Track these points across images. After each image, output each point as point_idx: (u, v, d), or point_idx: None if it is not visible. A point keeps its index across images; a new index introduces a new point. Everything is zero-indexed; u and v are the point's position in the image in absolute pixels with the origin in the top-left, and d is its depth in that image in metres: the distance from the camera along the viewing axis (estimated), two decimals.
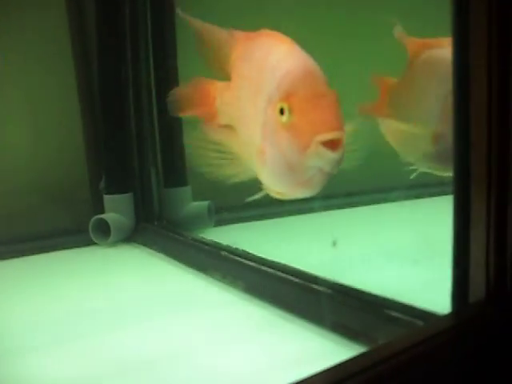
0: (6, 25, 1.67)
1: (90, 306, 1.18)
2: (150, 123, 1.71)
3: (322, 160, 0.77)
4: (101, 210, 1.71)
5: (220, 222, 1.75)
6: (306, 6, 1.84)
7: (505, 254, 0.63)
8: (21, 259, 1.58)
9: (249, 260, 1.21)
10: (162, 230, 1.66)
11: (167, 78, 1.69)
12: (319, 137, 0.76)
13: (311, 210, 1.60)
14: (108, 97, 1.71)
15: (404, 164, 1.11)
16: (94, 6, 1.70)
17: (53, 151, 1.77)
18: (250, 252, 1.25)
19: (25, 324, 1.11)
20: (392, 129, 1.12)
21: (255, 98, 0.87)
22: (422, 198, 1.70)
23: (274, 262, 1.16)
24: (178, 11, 1.33)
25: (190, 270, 1.36)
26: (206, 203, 1.72)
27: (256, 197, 0.94)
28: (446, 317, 0.69)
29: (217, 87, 1.01)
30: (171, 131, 1.71)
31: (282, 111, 0.79)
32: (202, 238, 1.49)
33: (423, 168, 1.09)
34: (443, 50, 1.01)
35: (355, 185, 1.69)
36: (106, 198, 1.71)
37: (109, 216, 1.67)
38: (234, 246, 1.31)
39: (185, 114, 1.07)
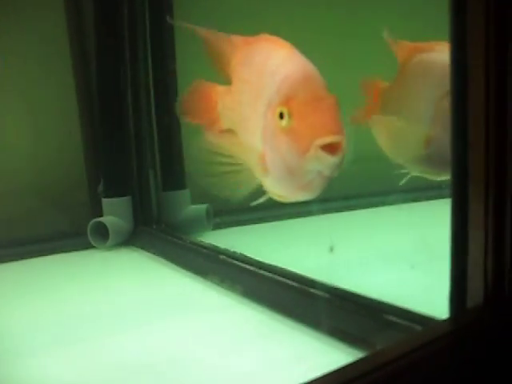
0: (5, 25, 1.67)
1: (88, 310, 1.18)
2: (148, 126, 1.71)
3: (321, 164, 0.77)
4: (99, 213, 1.71)
5: (218, 226, 1.75)
6: (305, 8, 1.84)
7: (503, 259, 0.63)
8: (19, 262, 1.58)
9: (247, 264, 1.21)
10: (161, 233, 1.66)
11: (166, 78, 1.69)
12: (318, 141, 0.76)
13: (310, 213, 1.60)
14: (106, 98, 1.71)
15: (397, 168, 1.11)
16: (93, 6, 1.69)
17: (51, 154, 1.77)
18: (248, 256, 1.25)
19: (23, 327, 1.11)
20: (384, 131, 1.12)
21: (255, 102, 0.87)
22: (420, 201, 1.70)
23: (272, 265, 1.16)
24: (168, 19, 1.34)
25: (188, 273, 1.36)
26: (204, 206, 1.71)
27: (260, 201, 0.94)
28: (443, 322, 0.69)
29: (218, 91, 1.01)
30: (170, 134, 1.71)
31: (281, 115, 0.80)
32: (201, 241, 1.49)
33: (415, 172, 1.10)
34: (435, 53, 1.02)
35: (353, 188, 1.69)
36: (105, 201, 1.71)
37: (107, 219, 1.66)
38: (232, 250, 1.31)
39: (187, 119, 1.07)
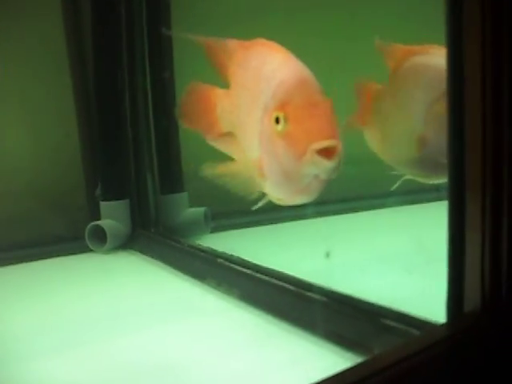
0: (2, 25, 1.66)
1: (85, 314, 1.18)
2: (146, 128, 1.71)
3: (317, 168, 0.78)
4: (97, 216, 1.70)
5: (217, 229, 1.75)
6: (303, 11, 1.84)
7: (500, 263, 0.63)
8: (17, 266, 1.57)
9: (244, 267, 1.21)
10: (159, 236, 1.66)
11: (163, 81, 1.68)
12: (314, 145, 0.76)
13: (308, 216, 1.60)
14: (104, 101, 1.71)
15: (389, 170, 1.11)
16: (90, 7, 1.69)
17: (49, 157, 1.76)
18: (246, 259, 1.25)
19: (22, 331, 1.11)
20: (376, 135, 1.12)
21: (252, 107, 0.88)
22: (418, 203, 1.70)
23: (269, 269, 1.16)
24: (164, 30, 1.35)
25: (186, 277, 1.36)
26: (202, 209, 1.71)
27: (260, 204, 0.94)
28: (441, 327, 0.69)
29: (217, 94, 1.01)
30: (167, 137, 1.71)
31: (277, 120, 0.80)
32: (199, 244, 1.49)
33: (407, 175, 1.10)
34: (428, 56, 1.02)
35: (350, 191, 1.69)
36: (103, 204, 1.71)
37: (105, 223, 1.66)
38: (230, 253, 1.31)
39: (186, 124, 1.08)
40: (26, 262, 1.60)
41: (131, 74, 1.69)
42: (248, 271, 1.18)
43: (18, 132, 1.74)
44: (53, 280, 1.45)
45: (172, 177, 1.73)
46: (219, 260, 1.29)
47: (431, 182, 1.06)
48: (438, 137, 0.96)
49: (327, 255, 1.02)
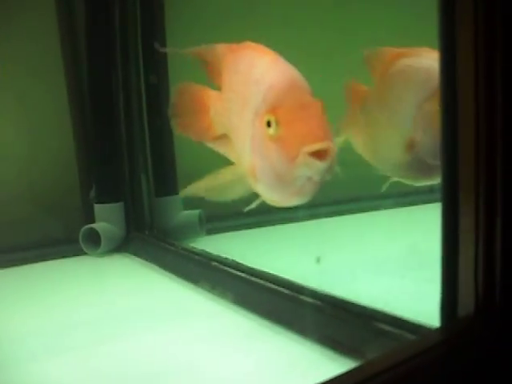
0: None
1: (79, 317, 1.17)
2: (140, 131, 1.70)
3: (310, 170, 0.78)
4: (92, 219, 1.70)
5: (211, 231, 1.74)
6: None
7: (493, 267, 0.63)
8: (11, 269, 1.57)
9: (238, 270, 1.20)
10: (153, 239, 1.65)
11: (157, 82, 1.68)
12: (306, 148, 0.76)
13: (302, 219, 1.60)
14: (98, 103, 1.71)
15: (377, 171, 1.11)
16: (84, 7, 1.69)
17: (43, 159, 1.76)
18: (240, 262, 1.25)
19: (16, 333, 1.10)
20: (363, 140, 1.12)
21: (242, 110, 0.88)
22: (412, 205, 1.70)
23: (263, 272, 1.15)
24: (155, 45, 1.35)
25: (180, 280, 1.35)
26: (196, 212, 1.71)
27: (253, 205, 0.94)
28: (434, 331, 0.69)
29: (210, 96, 1.01)
30: (162, 139, 1.70)
31: (269, 124, 0.80)
32: (193, 247, 1.49)
33: (395, 177, 1.09)
34: (416, 58, 1.02)
35: (344, 193, 1.69)
36: (97, 207, 1.70)
37: (99, 225, 1.66)
38: (224, 256, 1.30)
39: (179, 126, 1.07)
40: (20, 264, 1.60)
41: (125, 75, 1.68)
42: (242, 274, 1.18)
43: (11, 133, 1.74)
44: (47, 283, 1.45)
45: (166, 179, 1.73)
46: (213, 263, 1.29)
47: (419, 184, 1.06)
48: (427, 138, 0.96)
49: (318, 260, 1.01)
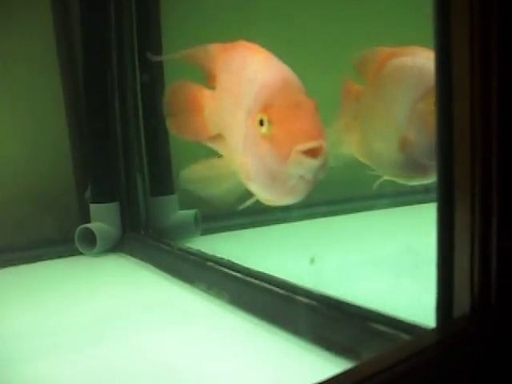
0: None
1: (74, 317, 1.17)
2: (135, 130, 1.70)
3: (303, 168, 0.78)
4: (87, 219, 1.69)
5: (207, 231, 1.74)
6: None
7: (489, 267, 0.62)
8: (6, 269, 1.56)
9: (234, 270, 1.20)
10: (149, 239, 1.65)
11: (153, 81, 1.68)
12: (299, 146, 0.76)
13: (298, 219, 1.60)
14: (93, 103, 1.70)
15: (369, 170, 1.11)
16: (79, 6, 1.68)
17: (39, 159, 1.75)
18: (236, 262, 1.24)
19: (10, 334, 1.10)
20: (356, 139, 1.12)
21: (236, 109, 0.88)
22: (407, 205, 1.70)
23: (259, 272, 1.15)
24: (148, 55, 1.35)
25: (176, 280, 1.35)
26: (192, 212, 1.70)
27: (248, 203, 0.94)
28: (430, 332, 0.69)
29: (204, 95, 1.01)
30: (157, 139, 1.70)
31: (261, 122, 0.81)
32: (188, 247, 1.48)
33: (387, 175, 1.09)
34: (410, 57, 1.02)
35: (339, 193, 1.69)
36: (92, 207, 1.70)
37: (95, 225, 1.65)
38: (220, 256, 1.30)
39: (174, 126, 1.07)
40: (15, 265, 1.59)
41: (121, 74, 1.68)
42: (238, 274, 1.18)
43: (6, 133, 1.73)
44: (42, 283, 1.44)
45: (162, 179, 1.72)
46: (209, 263, 1.28)
47: (413, 183, 1.06)
48: (421, 138, 0.96)
49: (312, 261, 1.01)
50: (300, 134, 0.77)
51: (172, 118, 1.07)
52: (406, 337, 0.78)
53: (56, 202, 1.74)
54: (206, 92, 1.01)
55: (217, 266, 1.25)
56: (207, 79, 1.00)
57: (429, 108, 0.91)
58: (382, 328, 0.82)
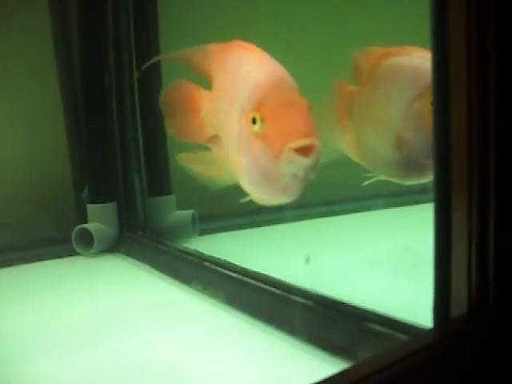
0: None
1: (72, 317, 1.17)
2: (133, 130, 1.70)
3: (295, 166, 0.78)
4: (84, 219, 1.69)
5: (204, 231, 1.74)
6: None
7: (487, 267, 0.62)
8: (3, 270, 1.56)
9: (230, 271, 1.20)
10: (146, 239, 1.65)
11: (151, 81, 1.67)
12: (290, 144, 0.76)
13: (295, 219, 1.60)
14: (90, 103, 1.70)
15: (364, 171, 1.11)
16: (76, 6, 1.68)
17: (36, 159, 1.75)
18: (232, 262, 1.24)
19: (8, 333, 1.10)
20: (351, 139, 1.12)
21: (230, 108, 0.88)
22: (404, 205, 1.70)
23: (256, 272, 1.15)
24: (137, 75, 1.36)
25: (173, 280, 1.35)
26: (190, 212, 1.70)
27: (247, 199, 0.94)
28: (427, 332, 0.68)
29: (201, 96, 1.01)
30: (155, 138, 1.70)
31: (254, 121, 0.81)
32: (186, 247, 1.48)
33: (383, 176, 1.09)
34: (405, 57, 1.02)
35: (336, 193, 1.69)
36: (89, 207, 1.70)
37: (92, 225, 1.65)
38: (217, 256, 1.30)
39: (172, 127, 1.07)
40: (12, 265, 1.59)
41: (118, 74, 1.68)
42: (235, 275, 1.17)
43: (3, 133, 1.73)
44: (38, 283, 1.44)
45: (159, 179, 1.72)
46: (206, 263, 1.28)
47: (410, 182, 1.06)
48: (417, 136, 0.96)
49: (307, 260, 1.01)
50: (292, 132, 0.77)
51: (169, 118, 1.07)
52: (402, 337, 0.78)
53: (53, 202, 1.74)
54: (204, 93, 1.01)
55: (213, 266, 1.25)
56: (203, 77, 1.00)
57: (425, 107, 0.91)
58: (378, 328, 0.82)
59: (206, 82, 1.00)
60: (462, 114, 0.63)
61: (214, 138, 0.98)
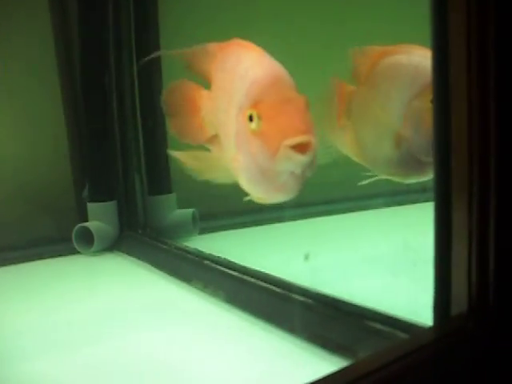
0: None
1: (72, 316, 1.17)
2: (133, 129, 1.70)
3: (292, 163, 0.78)
4: (85, 218, 1.69)
5: (204, 230, 1.74)
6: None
7: (487, 266, 0.62)
8: (3, 268, 1.56)
9: (230, 269, 1.20)
10: (146, 238, 1.65)
11: (151, 81, 1.68)
12: (287, 141, 0.76)
13: (295, 218, 1.60)
14: (91, 102, 1.70)
15: (363, 171, 1.11)
16: (77, 6, 1.68)
17: (37, 158, 1.75)
18: (232, 261, 1.24)
19: (8, 332, 1.10)
20: (350, 139, 1.12)
21: (229, 107, 0.88)
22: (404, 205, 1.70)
23: (255, 271, 1.15)
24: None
25: (173, 279, 1.35)
26: (190, 211, 1.70)
27: (249, 198, 0.94)
28: (427, 330, 0.69)
29: (201, 95, 1.01)
30: (155, 137, 1.70)
31: (251, 118, 0.81)
32: (186, 246, 1.48)
33: (383, 175, 1.09)
34: (404, 55, 1.02)
35: (336, 192, 1.69)
36: (90, 205, 1.70)
37: (92, 224, 1.65)
38: (217, 255, 1.30)
39: (173, 127, 1.07)
40: (13, 263, 1.59)
41: (118, 74, 1.68)
42: (234, 273, 1.18)
43: (4, 133, 1.73)
44: (39, 282, 1.44)
45: (160, 178, 1.72)
46: (206, 262, 1.28)
47: (410, 181, 1.05)
48: (417, 134, 0.96)
49: (306, 257, 1.01)
50: (289, 130, 0.77)
51: (170, 118, 1.07)
52: (402, 335, 0.78)
53: (54, 201, 1.74)
54: (204, 92, 1.01)
55: (213, 265, 1.25)
56: (203, 77, 1.00)
57: (425, 105, 0.92)
58: (378, 326, 0.82)
59: (206, 82, 1.00)
60: (462, 114, 0.63)
61: (214, 138, 0.98)
